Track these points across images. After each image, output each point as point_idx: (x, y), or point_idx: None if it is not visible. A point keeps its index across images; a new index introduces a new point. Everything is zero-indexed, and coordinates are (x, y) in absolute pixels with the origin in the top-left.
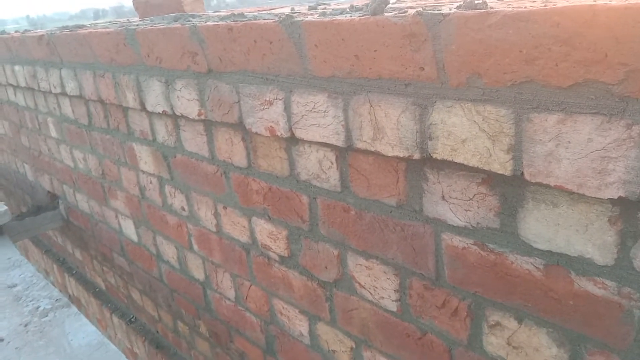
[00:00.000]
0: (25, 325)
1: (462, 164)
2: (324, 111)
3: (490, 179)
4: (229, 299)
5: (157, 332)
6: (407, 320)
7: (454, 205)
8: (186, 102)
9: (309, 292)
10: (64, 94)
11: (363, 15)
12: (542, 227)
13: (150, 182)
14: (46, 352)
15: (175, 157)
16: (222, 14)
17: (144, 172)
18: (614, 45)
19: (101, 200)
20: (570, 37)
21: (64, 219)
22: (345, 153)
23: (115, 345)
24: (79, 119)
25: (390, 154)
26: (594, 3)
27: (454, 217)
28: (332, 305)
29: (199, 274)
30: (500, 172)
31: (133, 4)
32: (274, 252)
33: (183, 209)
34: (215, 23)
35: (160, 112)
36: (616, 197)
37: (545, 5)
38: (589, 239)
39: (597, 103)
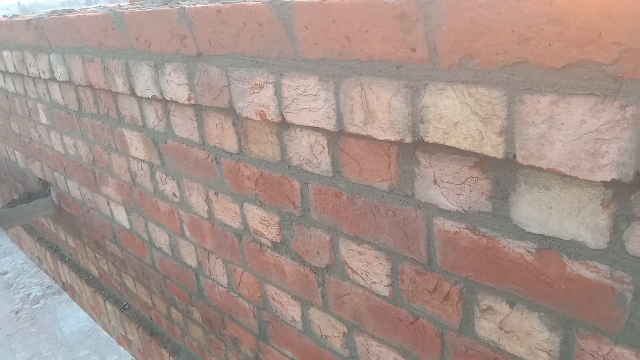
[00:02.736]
0: (17, 313)
1: (454, 148)
2: (315, 95)
3: (482, 162)
4: (221, 285)
5: (151, 318)
6: (399, 305)
7: (445, 190)
8: (176, 86)
9: (301, 277)
10: (53, 79)
11: None
12: (535, 210)
13: (141, 169)
14: (37, 338)
15: (165, 142)
16: None
17: (134, 158)
18: (607, 24)
19: (92, 187)
20: (563, 15)
21: (56, 206)
22: (336, 137)
23: (109, 332)
24: (68, 104)
25: (381, 138)
26: None
27: (446, 202)
28: (325, 291)
29: (192, 261)
30: (492, 155)
31: None
32: (266, 238)
33: (174, 195)
34: (204, 5)
35: (150, 97)
36: (609, 180)
37: None
38: (582, 222)
39: (591, 84)
